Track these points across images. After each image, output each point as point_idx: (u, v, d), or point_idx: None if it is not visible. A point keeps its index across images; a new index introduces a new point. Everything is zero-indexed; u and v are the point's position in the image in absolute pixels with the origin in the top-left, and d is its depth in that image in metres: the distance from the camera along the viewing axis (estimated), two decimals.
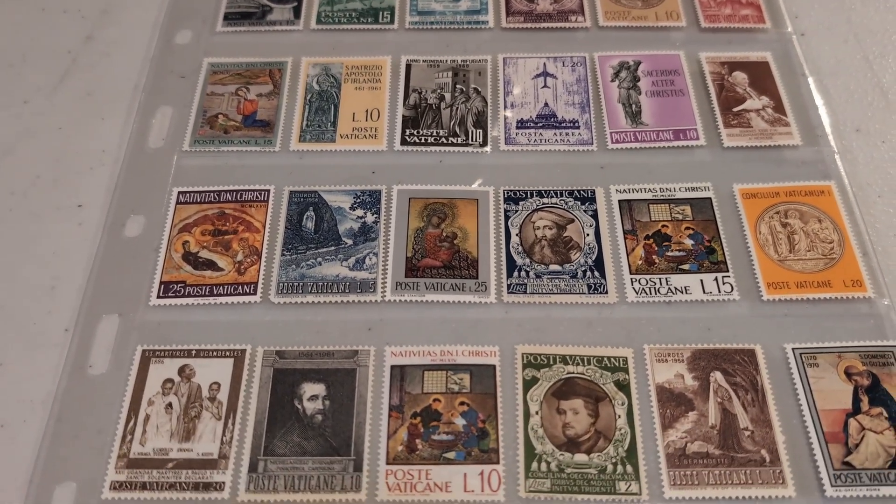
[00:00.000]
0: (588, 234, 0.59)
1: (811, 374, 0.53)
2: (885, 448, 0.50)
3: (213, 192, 0.61)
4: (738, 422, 0.51)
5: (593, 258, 0.58)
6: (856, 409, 0.51)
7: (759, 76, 0.67)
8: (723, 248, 0.58)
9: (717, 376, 0.53)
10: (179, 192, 0.61)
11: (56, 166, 0.64)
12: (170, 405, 0.52)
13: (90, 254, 0.59)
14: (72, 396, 0.52)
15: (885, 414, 0.51)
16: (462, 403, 0.52)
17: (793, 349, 0.54)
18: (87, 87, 0.68)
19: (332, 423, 0.51)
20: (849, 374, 0.53)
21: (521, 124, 0.65)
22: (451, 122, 0.65)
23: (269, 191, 0.61)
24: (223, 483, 0.49)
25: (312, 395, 0.52)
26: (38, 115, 0.67)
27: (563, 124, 0.65)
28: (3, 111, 0.67)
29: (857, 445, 0.50)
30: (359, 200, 0.61)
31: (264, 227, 0.59)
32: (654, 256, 0.58)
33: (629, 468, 0.50)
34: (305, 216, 0.60)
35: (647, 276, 0.57)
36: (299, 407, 0.52)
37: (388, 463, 0.50)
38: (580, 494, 0.49)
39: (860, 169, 0.63)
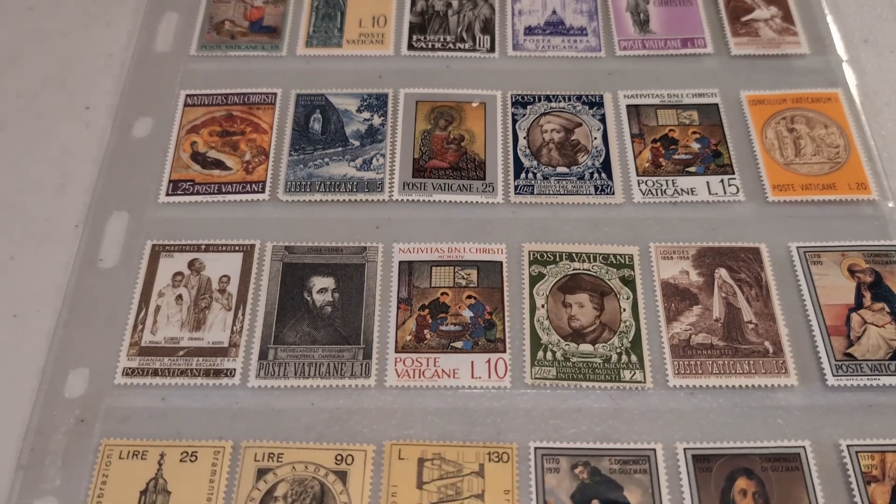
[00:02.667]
0: (595, 138, 0.59)
1: (815, 271, 0.53)
2: (886, 341, 0.51)
3: (221, 94, 0.61)
4: (742, 315, 0.52)
5: (601, 161, 0.58)
6: (858, 305, 0.52)
7: None
8: (729, 152, 0.58)
9: (722, 272, 0.53)
10: (187, 95, 0.61)
11: (62, 70, 0.63)
12: (180, 297, 0.53)
13: (99, 153, 0.59)
14: (83, 288, 0.53)
15: (888, 309, 0.52)
16: (469, 297, 0.53)
17: (797, 247, 0.54)
18: None
19: (341, 315, 0.52)
20: (852, 272, 0.53)
21: (529, 31, 0.64)
22: (459, 29, 0.64)
23: (276, 94, 0.61)
24: (234, 370, 0.50)
25: (322, 288, 0.53)
26: (43, 20, 0.66)
27: (571, 31, 0.64)
28: (8, 15, 0.66)
29: (858, 338, 0.51)
30: (365, 103, 0.61)
31: (272, 128, 0.59)
32: (660, 159, 0.58)
33: (634, 358, 0.50)
34: (312, 118, 0.60)
35: (654, 178, 0.57)
36: (309, 299, 0.52)
37: (396, 351, 0.51)
38: (585, 381, 0.49)
39: (867, 78, 0.62)
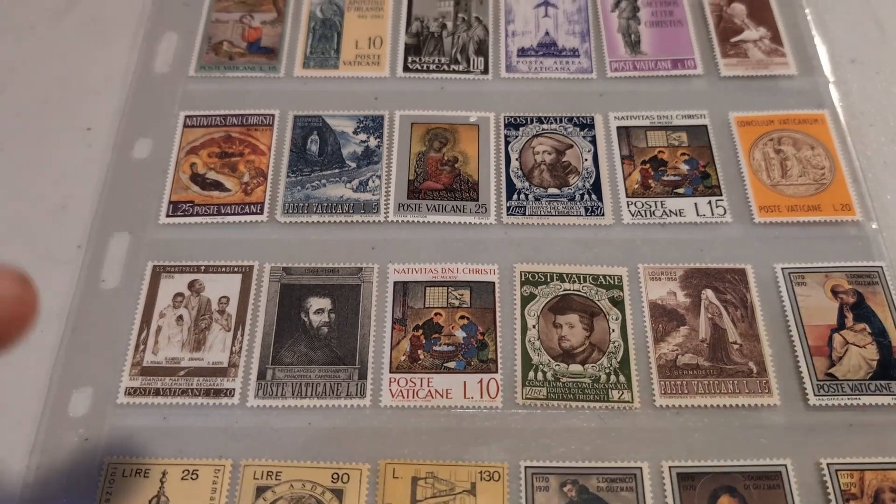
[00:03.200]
0: (586, 160, 0.61)
1: (799, 292, 0.55)
2: (866, 360, 0.52)
3: (219, 115, 0.62)
4: (727, 336, 0.53)
5: (591, 182, 0.59)
6: (840, 325, 0.53)
7: (758, 7, 0.68)
8: (717, 173, 0.60)
9: (709, 293, 0.55)
10: (186, 116, 0.62)
11: (63, 91, 0.64)
12: (180, 317, 0.54)
13: (100, 174, 0.60)
14: (86, 309, 0.54)
15: (869, 329, 0.53)
16: (462, 317, 0.54)
17: (782, 268, 0.56)
18: (93, 13, 0.69)
19: (337, 335, 0.53)
20: (835, 293, 0.55)
21: (522, 52, 0.66)
22: (453, 50, 0.66)
23: (273, 115, 0.62)
24: (233, 389, 0.51)
25: (318, 309, 0.54)
26: (44, 40, 0.67)
27: (564, 53, 0.66)
28: (10, 36, 0.67)
29: (840, 358, 0.52)
30: (362, 125, 0.62)
31: (270, 149, 0.61)
32: (650, 180, 0.60)
33: (622, 378, 0.52)
34: (310, 140, 0.61)
35: (643, 199, 0.59)
36: (306, 320, 0.54)
37: (391, 371, 0.52)
38: (575, 402, 0.51)
39: (853, 99, 0.64)
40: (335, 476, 0.48)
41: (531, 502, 0.48)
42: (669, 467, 0.49)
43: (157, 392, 0.51)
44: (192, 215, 0.58)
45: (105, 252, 0.57)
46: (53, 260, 0.57)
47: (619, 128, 0.62)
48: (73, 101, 0.64)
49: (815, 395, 0.51)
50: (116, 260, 0.56)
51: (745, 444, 0.50)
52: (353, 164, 0.60)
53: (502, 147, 0.61)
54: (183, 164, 0.60)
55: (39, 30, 0.68)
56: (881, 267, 0.56)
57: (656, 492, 0.48)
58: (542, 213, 0.58)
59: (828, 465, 0.49)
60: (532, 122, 0.62)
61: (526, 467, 0.49)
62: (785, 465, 0.49)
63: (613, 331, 0.54)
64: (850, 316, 0.54)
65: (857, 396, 0.51)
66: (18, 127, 0.63)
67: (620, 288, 0.55)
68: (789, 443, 0.50)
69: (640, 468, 0.49)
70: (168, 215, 0.58)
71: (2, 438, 0.50)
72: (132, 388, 0.51)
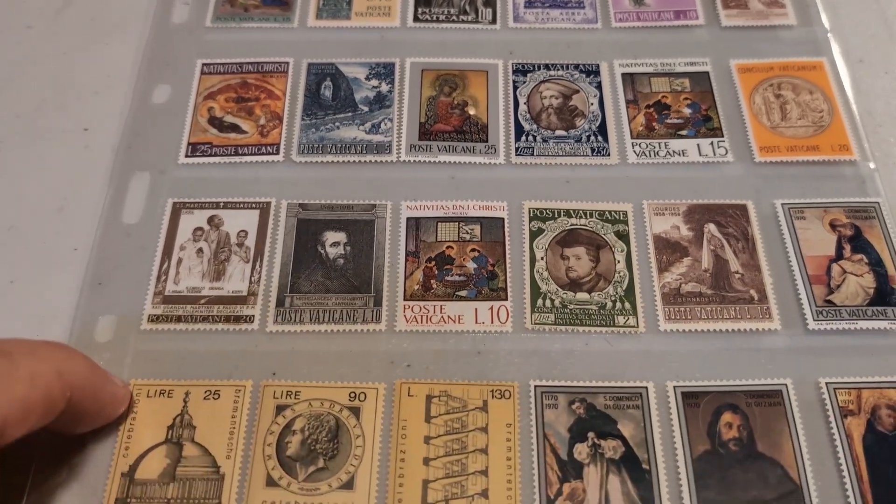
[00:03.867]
0: (592, 104, 0.62)
1: (798, 225, 0.57)
2: (864, 288, 0.54)
3: (236, 63, 0.64)
4: (729, 266, 0.55)
5: (597, 124, 0.61)
6: (839, 256, 0.55)
7: None
8: (718, 117, 0.62)
9: (711, 227, 0.57)
10: (203, 64, 0.64)
11: (61, 90, 0.65)
12: (200, 250, 0.56)
13: (120, 121, 0.62)
14: (109, 242, 0.56)
15: (866, 260, 0.55)
16: (473, 250, 0.56)
17: (782, 204, 0.57)
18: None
19: (353, 266, 0.55)
20: (833, 226, 0.57)
21: (529, 3, 0.67)
22: (462, 2, 0.67)
23: (288, 63, 0.64)
24: (252, 316, 0.53)
25: (334, 242, 0.56)
26: (41, 39, 0.68)
27: (570, 4, 0.68)
28: (6, 35, 0.68)
29: (838, 286, 0.54)
30: (374, 72, 0.64)
31: (285, 95, 0.63)
32: (654, 123, 0.61)
33: (627, 305, 0.54)
34: (323, 86, 0.63)
35: (647, 141, 0.61)
36: (322, 252, 0.56)
37: (405, 299, 0.54)
38: (582, 326, 0.53)
39: (851, 46, 0.66)
40: (352, 395, 0.50)
41: (541, 418, 0.49)
42: (674, 387, 0.51)
43: (178, 319, 0.53)
44: (210, 155, 0.60)
45: (126, 190, 0.58)
46: (78, 198, 0.58)
47: (623, 74, 0.64)
48: (71, 100, 0.64)
49: (815, 320, 0.53)
50: (138, 198, 0.58)
51: (746, 365, 0.51)
52: (366, 108, 0.62)
53: (511, 92, 0.63)
54: (201, 109, 0.62)
55: (37, 29, 0.68)
56: (878, 203, 0.57)
57: (661, 409, 0.50)
58: (550, 154, 0.60)
59: (826, 384, 0.50)
60: (539, 68, 0.64)
61: (536, 386, 0.50)
62: (785, 385, 0.50)
63: (619, 262, 0.55)
64: (847, 247, 0.56)
65: (855, 321, 0.53)
66: (17, 127, 0.63)
67: (625, 223, 0.57)
68: (789, 364, 0.51)
69: (646, 387, 0.51)
70: (187, 156, 0.60)
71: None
72: (155, 315, 0.53)
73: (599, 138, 0.61)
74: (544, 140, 0.60)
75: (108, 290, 0.54)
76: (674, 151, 0.60)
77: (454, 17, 0.67)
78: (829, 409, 0.50)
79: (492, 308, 0.53)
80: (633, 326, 0.53)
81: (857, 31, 0.67)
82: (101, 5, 0.70)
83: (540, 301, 0.54)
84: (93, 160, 0.60)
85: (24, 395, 0.40)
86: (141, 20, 0.67)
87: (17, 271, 0.56)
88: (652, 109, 0.62)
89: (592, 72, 0.64)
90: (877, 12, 0.68)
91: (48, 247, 0.57)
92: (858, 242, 0.56)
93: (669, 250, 0.56)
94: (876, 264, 0.55)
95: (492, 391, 0.50)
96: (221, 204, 0.58)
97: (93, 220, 0.57)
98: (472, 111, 0.62)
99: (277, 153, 0.60)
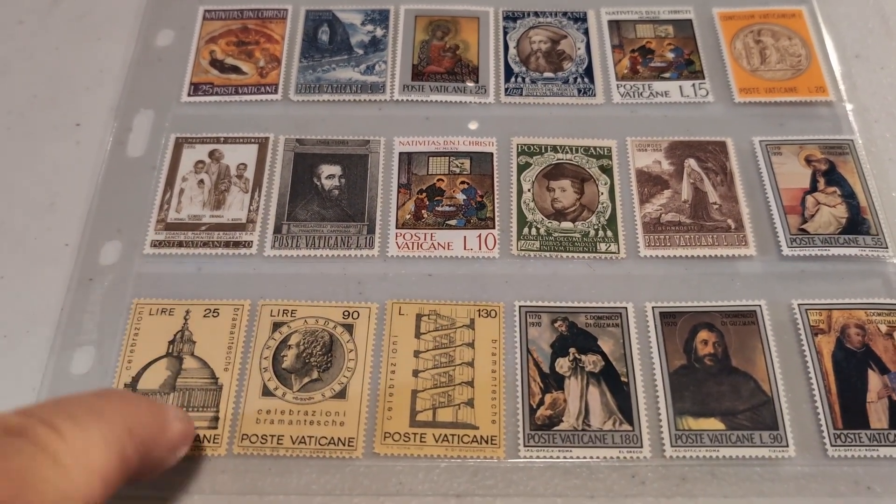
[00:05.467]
0: (579, 48, 0.65)
1: (775, 160, 0.59)
2: (836, 218, 0.56)
3: (236, 10, 0.67)
4: (707, 198, 0.57)
5: (584, 67, 0.64)
6: (813, 189, 0.58)
7: None
8: (700, 60, 0.64)
9: (691, 162, 0.59)
10: (205, 10, 0.67)
11: (53, 85, 0.64)
12: (201, 181, 0.58)
13: (124, 60, 0.64)
14: (113, 175, 0.59)
15: (839, 192, 0.57)
16: (462, 182, 0.58)
17: (759, 141, 0.60)
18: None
19: (347, 197, 0.58)
20: (808, 161, 0.59)
21: None
22: None
23: (287, 10, 0.67)
24: (251, 241, 0.56)
25: (330, 175, 0.59)
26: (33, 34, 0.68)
27: None
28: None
29: (812, 216, 0.56)
30: (369, 17, 0.66)
31: (283, 39, 0.65)
32: (638, 66, 0.64)
33: (609, 233, 0.56)
34: (320, 31, 0.66)
35: (632, 82, 0.63)
36: (318, 184, 0.58)
37: (397, 227, 0.56)
38: (565, 252, 0.55)
39: None
40: (346, 313, 0.53)
41: (524, 335, 0.52)
42: (653, 307, 0.53)
43: (180, 244, 0.56)
44: (211, 94, 0.62)
45: (131, 126, 0.61)
46: (82, 131, 0.61)
47: (609, 21, 0.66)
48: (63, 95, 0.64)
49: (789, 247, 0.55)
50: (141, 133, 0.61)
51: (722, 288, 0.54)
52: (361, 52, 0.64)
53: (501, 37, 0.65)
54: (203, 52, 0.64)
55: (28, 24, 0.68)
56: (851, 140, 0.60)
57: (640, 328, 0.52)
58: (538, 94, 0.62)
59: (798, 305, 0.53)
60: (528, 15, 0.66)
61: (521, 306, 0.53)
62: (759, 306, 0.53)
63: (602, 194, 0.58)
64: (822, 181, 0.58)
65: (827, 248, 0.55)
66: (8, 123, 0.64)
67: (609, 158, 0.59)
68: (764, 287, 0.54)
69: (626, 308, 0.53)
70: (189, 95, 0.62)
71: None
72: (157, 240, 0.56)
73: (586, 80, 0.63)
74: (533, 81, 0.63)
75: (112, 218, 0.57)
76: (657, 92, 0.62)
77: None
78: (800, 328, 0.52)
79: (480, 235, 0.56)
80: (614, 252, 0.55)
81: None
82: (92, 1, 0.70)
83: (526, 229, 0.56)
84: (84, 156, 0.60)
85: (102, 466, 0.35)
86: (132, 16, 0.67)
87: (7, 267, 0.56)
88: (636, 54, 0.64)
89: (580, 19, 0.66)
90: None
91: (39, 242, 0.57)
92: (833, 176, 0.58)
93: (651, 183, 0.58)
94: (849, 196, 0.57)
95: (479, 310, 0.53)
96: (222, 139, 0.60)
97: (98, 152, 0.60)
98: (463, 54, 0.64)
99: (276, 93, 0.62)
